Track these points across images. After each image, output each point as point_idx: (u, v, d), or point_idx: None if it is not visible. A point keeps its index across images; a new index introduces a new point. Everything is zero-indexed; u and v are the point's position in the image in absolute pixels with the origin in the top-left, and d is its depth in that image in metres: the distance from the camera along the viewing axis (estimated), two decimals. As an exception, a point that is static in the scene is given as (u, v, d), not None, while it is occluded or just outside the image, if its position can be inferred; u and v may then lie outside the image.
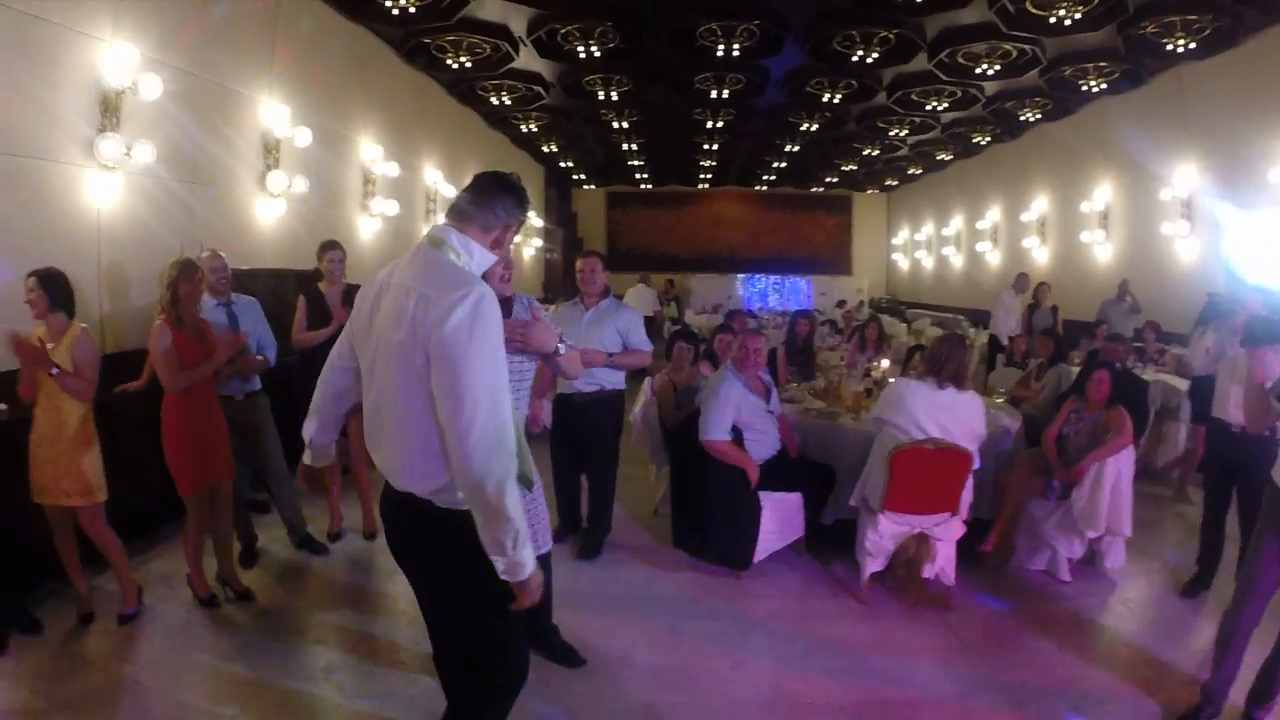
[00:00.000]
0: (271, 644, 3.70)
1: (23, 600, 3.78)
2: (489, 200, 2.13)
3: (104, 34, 4.82)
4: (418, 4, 7.50)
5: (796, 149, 14.97)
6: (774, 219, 22.06)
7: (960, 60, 9.01)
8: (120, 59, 4.87)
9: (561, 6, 7.77)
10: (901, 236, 21.45)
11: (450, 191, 11.26)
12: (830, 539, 4.83)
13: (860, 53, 8.76)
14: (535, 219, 16.97)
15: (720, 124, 12.80)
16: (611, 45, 8.77)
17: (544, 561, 2.84)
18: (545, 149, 15.32)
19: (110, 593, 4.00)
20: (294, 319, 5.12)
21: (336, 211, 8.33)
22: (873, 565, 4.26)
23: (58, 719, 3.03)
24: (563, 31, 8.48)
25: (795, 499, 4.61)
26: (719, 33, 8.49)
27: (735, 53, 8.83)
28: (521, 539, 1.88)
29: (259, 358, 4.63)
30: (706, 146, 14.93)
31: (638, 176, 19.20)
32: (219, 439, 4.11)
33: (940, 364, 4.22)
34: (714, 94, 10.63)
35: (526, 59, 9.46)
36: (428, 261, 2.03)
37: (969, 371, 4.38)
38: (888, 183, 20.27)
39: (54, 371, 3.47)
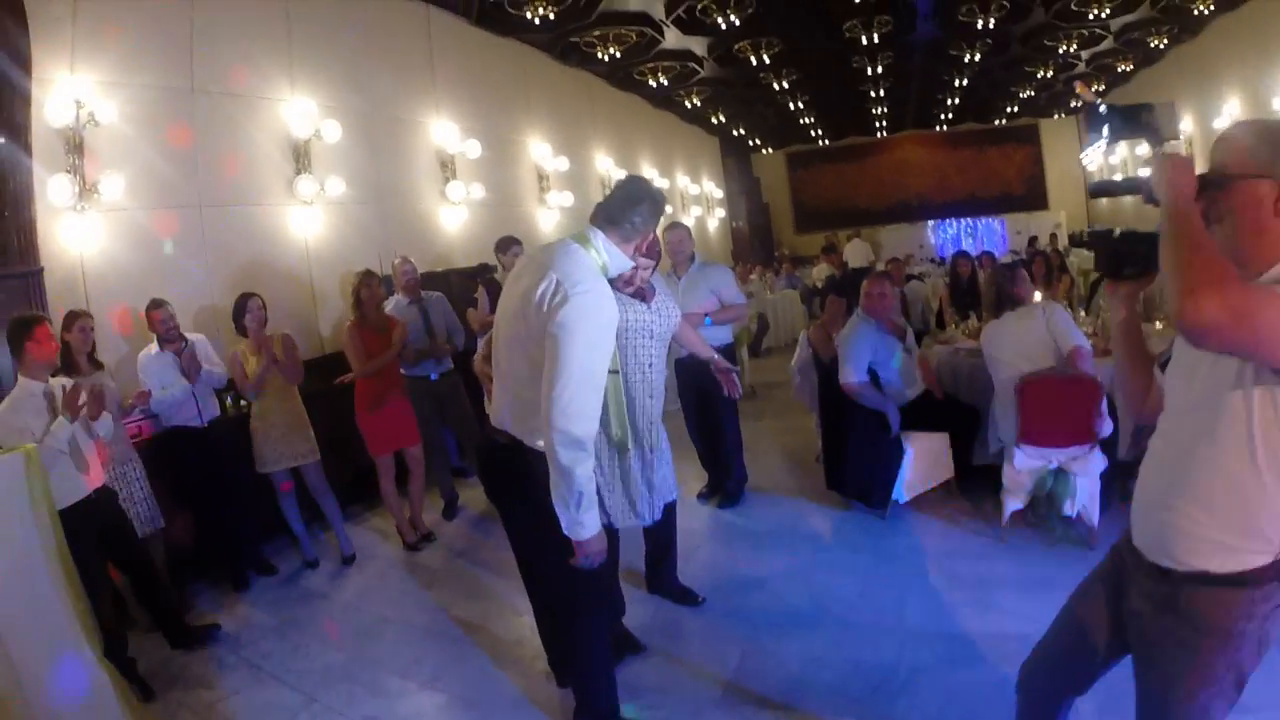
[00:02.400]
0: (459, 577, 4.44)
1: (262, 549, 4.82)
2: (627, 210, 2.37)
3: (284, 94, 5.87)
4: (556, 10, 8.07)
5: (966, 82, 13.97)
6: (960, 158, 20.37)
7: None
8: (302, 112, 5.90)
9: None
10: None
11: (621, 176, 11.84)
12: (981, 480, 4.69)
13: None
14: (715, 189, 17.24)
15: (880, 68, 12.31)
16: (750, 11, 8.85)
17: (668, 510, 3.31)
18: (714, 120, 15.51)
19: (326, 544, 4.98)
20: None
21: (515, 210, 9.19)
22: (1013, 503, 4.09)
23: (285, 630, 3.94)
24: (700, 6, 8.69)
25: (941, 440, 4.59)
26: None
27: None
28: (585, 503, 2.20)
29: (447, 345, 5.38)
30: (873, 93, 14.35)
31: (813, 134, 18.74)
32: (402, 412, 4.88)
33: (997, 302, 4.20)
34: (864, 39, 10.29)
35: (674, 38, 9.75)
36: (571, 254, 2.32)
37: (1027, 288, 4.31)
38: (1074, 104, 18.17)
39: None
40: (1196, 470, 1.44)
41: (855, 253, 13.84)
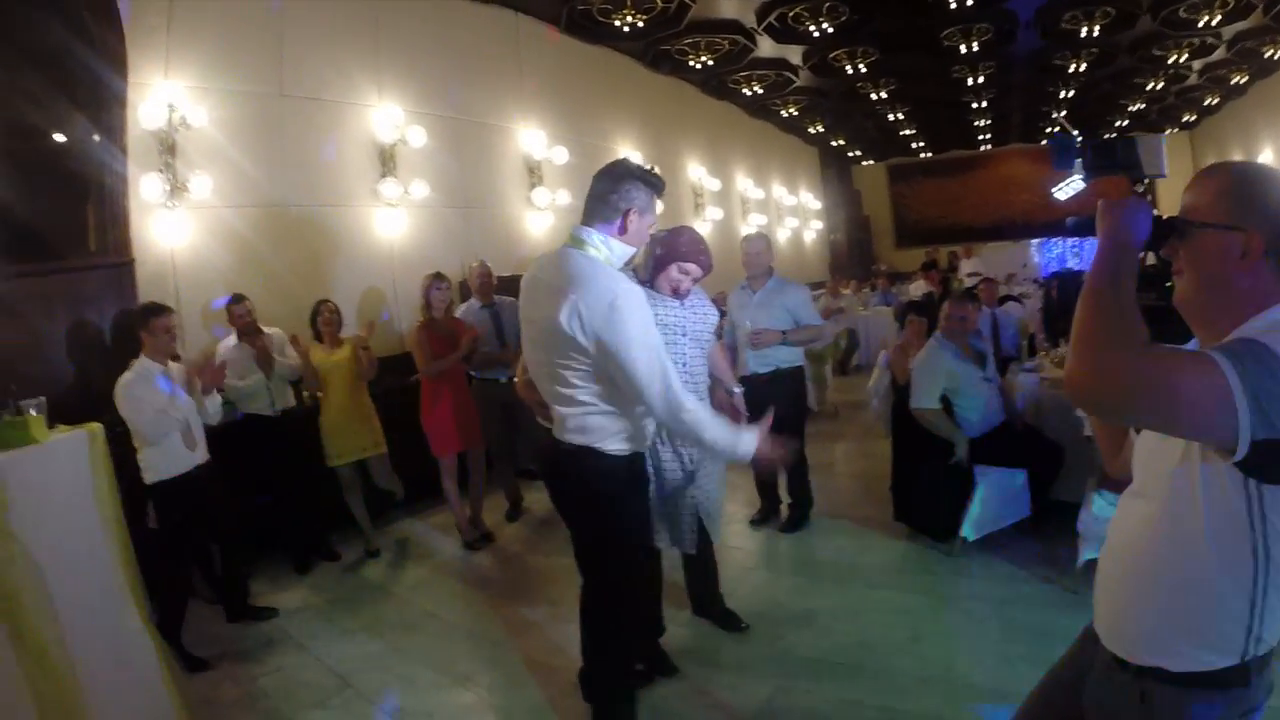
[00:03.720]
0: (509, 579, 4.45)
1: (328, 537, 4.97)
2: (607, 196, 2.31)
3: (372, 100, 6.10)
4: (645, 18, 8.08)
5: (1072, 94, 13.16)
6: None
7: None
8: (388, 118, 6.12)
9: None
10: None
11: (715, 185, 11.75)
12: (1060, 521, 4.32)
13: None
14: (812, 200, 16.91)
15: (982, 79, 11.75)
16: (843, 19, 8.63)
17: (704, 539, 3.22)
18: (812, 130, 15.17)
19: (390, 536, 5.11)
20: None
21: (601, 216, 9.23)
22: (1087, 551, 3.79)
23: (334, 614, 4.08)
24: (792, 14, 8.54)
25: (1019, 476, 4.23)
26: (948, -20, 7.99)
27: (969, 1, 8.23)
28: (724, 437, 2.35)
29: (518, 351, 5.44)
30: (975, 105, 13.68)
31: (914, 146, 18.06)
32: (466, 414, 4.94)
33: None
34: (964, 48, 9.83)
35: (768, 47, 9.61)
36: (575, 263, 2.27)
37: None
38: (1185, 119, 16.80)
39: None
40: (1146, 559, 1.25)
41: (971, 268, 12.98)
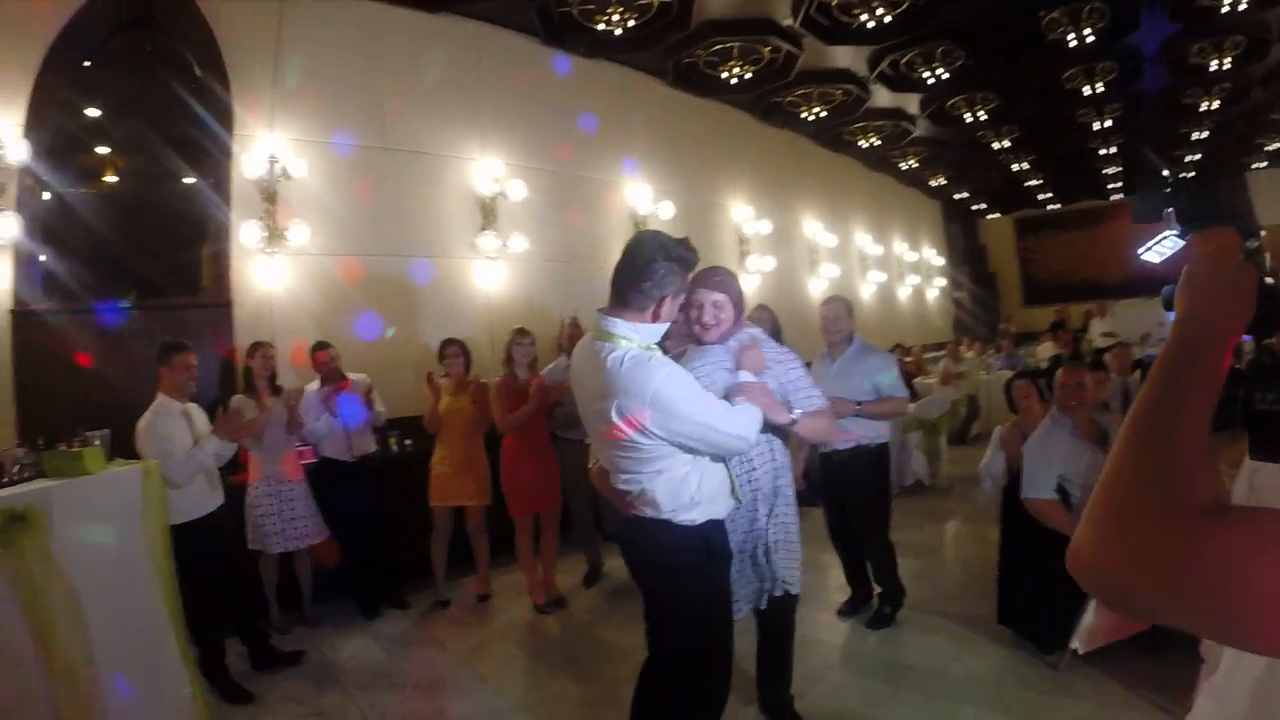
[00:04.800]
0: (572, 651, 4.18)
1: (401, 585, 4.93)
2: (635, 280, 2.18)
3: (474, 154, 6.23)
4: (753, 70, 8.00)
5: (1205, 135, 12.10)
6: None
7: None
8: (489, 172, 6.24)
9: (889, 37, 7.63)
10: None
11: (831, 241, 11.40)
12: (1182, 639, 3.61)
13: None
14: (935, 257, 16.22)
15: (1109, 123, 10.99)
16: (959, 63, 8.28)
17: (781, 612, 2.94)
18: (933, 182, 14.58)
19: (464, 588, 5.01)
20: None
21: (709, 273, 9.10)
22: (1209, 676, 3.20)
23: (389, 667, 4.01)
24: (904, 60, 8.28)
25: None
26: (1064, 20, 7.50)
27: (1089, 38, 7.70)
28: (757, 420, 2.34)
29: None
30: (1103, 151, 12.75)
31: (1040, 197, 16.97)
32: (545, 476, 4.80)
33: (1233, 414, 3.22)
34: (1087, 89, 9.23)
35: (884, 96, 9.35)
36: (608, 358, 2.15)
37: None
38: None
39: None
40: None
41: (1103, 328, 11.63)
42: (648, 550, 2.36)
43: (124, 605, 2.69)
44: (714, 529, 2.38)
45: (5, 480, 2.63)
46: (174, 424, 3.53)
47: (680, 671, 2.38)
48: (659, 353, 2.27)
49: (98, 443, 2.81)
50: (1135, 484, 0.68)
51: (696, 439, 2.19)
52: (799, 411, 2.60)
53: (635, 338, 2.18)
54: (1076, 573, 0.70)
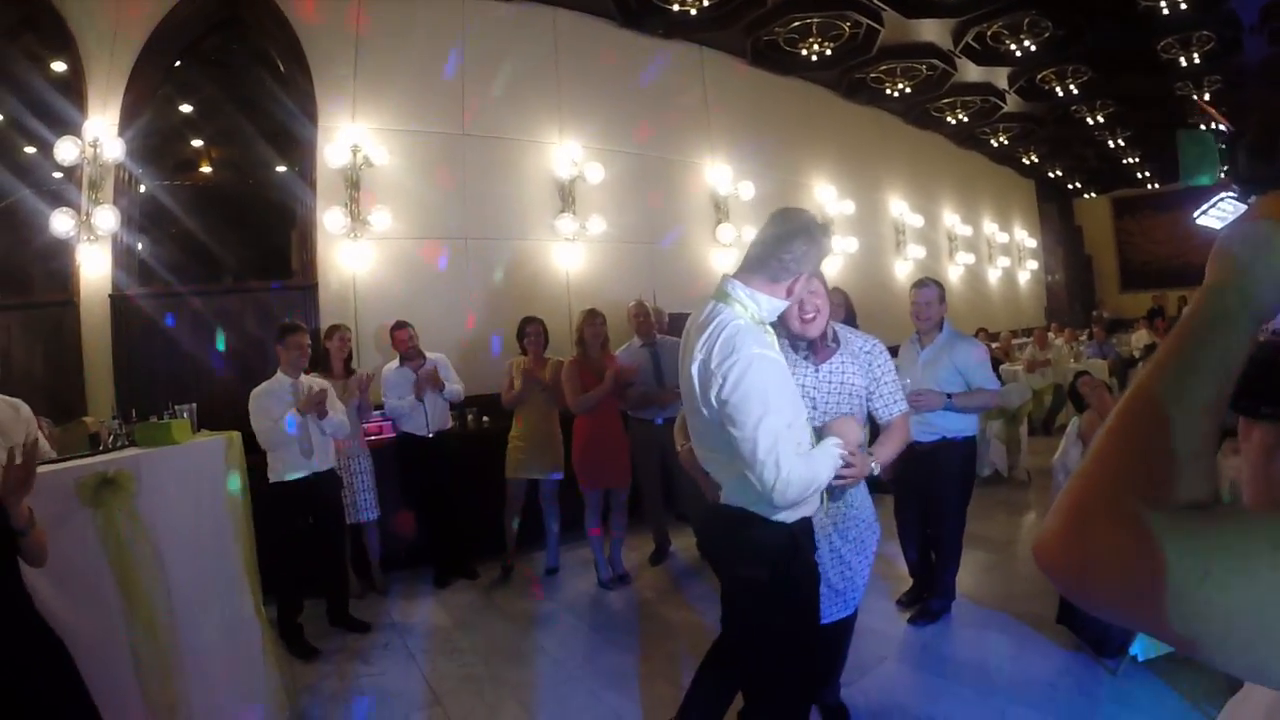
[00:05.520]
0: (632, 627, 4.28)
1: (472, 557, 5.15)
2: (775, 250, 2.08)
3: (553, 138, 6.35)
4: (833, 45, 7.84)
5: None
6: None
7: None
8: (567, 155, 6.35)
9: (972, 9, 7.34)
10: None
11: (917, 221, 11.05)
12: None
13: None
14: (1027, 239, 15.53)
15: (1208, 95, 10.29)
16: (1046, 35, 7.90)
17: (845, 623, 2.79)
18: (1025, 160, 13.85)
19: (533, 561, 5.22)
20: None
21: (792, 254, 9.00)
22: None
23: (452, 632, 4.23)
24: (989, 33, 7.96)
25: None
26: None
27: (1182, 4, 7.21)
28: (816, 481, 2.04)
29: (676, 391, 5.36)
30: (1205, 126, 12.05)
31: (1139, 175, 15.93)
32: (614, 453, 4.89)
33: None
34: (1183, 61, 8.62)
35: (971, 71, 8.98)
36: (714, 321, 2.04)
37: None
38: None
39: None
40: None
41: None
42: (732, 546, 2.21)
43: (203, 563, 2.91)
44: (803, 529, 2.20)
45: (101, 448, 2.94)
46: (275, 399, 3.94)
47: (771, 685, 2.24)
48: (772, 334, 2.14)
49: (185, 415, 3.09)
50: (1108, 476, 0.59)
51: (735, 443, 1.96)
52: (877, 465, 2.43)
53: (752, 306, 2.07)
54: (1040, 566, 0.61)
